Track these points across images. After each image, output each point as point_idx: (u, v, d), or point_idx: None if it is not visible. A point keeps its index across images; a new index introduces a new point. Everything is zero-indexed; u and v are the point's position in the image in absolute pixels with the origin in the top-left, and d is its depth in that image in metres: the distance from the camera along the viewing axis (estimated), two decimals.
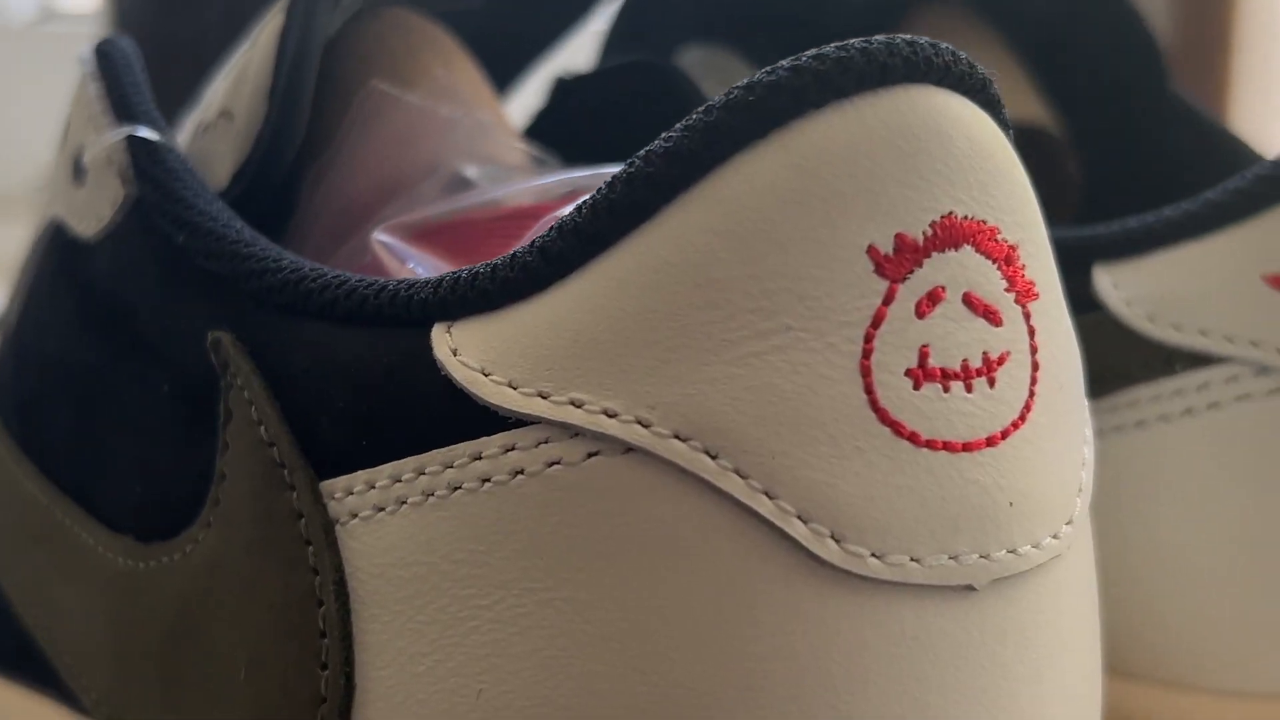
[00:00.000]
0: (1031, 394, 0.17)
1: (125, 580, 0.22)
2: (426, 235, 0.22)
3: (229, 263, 0.20)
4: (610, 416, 0.16)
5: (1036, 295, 0.17)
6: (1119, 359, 0.23)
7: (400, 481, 0.17)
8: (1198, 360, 0.22)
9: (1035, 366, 0.17)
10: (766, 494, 0.15)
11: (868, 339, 0.16)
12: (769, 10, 0.32)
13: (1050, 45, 0.34)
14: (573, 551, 0.16)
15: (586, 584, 0.16)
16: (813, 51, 0.16)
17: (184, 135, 0.26)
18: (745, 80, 0.16)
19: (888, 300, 0.16)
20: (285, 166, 0.23)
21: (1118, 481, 0.23)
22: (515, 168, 0.26)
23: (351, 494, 0.17)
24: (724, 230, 0.16)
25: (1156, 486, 0.22)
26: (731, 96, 0.16)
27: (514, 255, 0.17)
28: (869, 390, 0.16)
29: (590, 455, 0.16)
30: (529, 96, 0.34)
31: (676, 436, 0.16)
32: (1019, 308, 0.17)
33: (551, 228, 0.16)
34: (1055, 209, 0.33)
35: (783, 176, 0.16)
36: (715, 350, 0.16)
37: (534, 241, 0.17)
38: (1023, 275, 0.17)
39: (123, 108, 0.23)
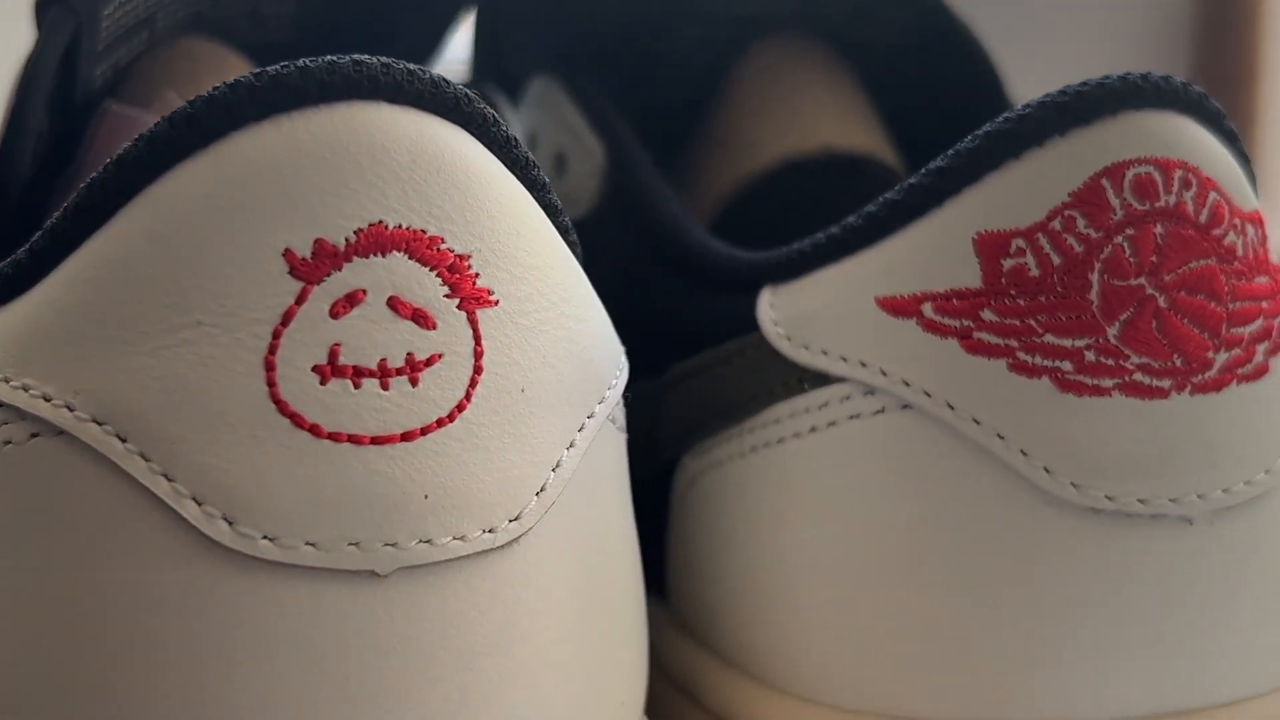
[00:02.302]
0: (468, 395, 0.18)
1: None
2: None
3: None
4: (46, 400, 0.17)
5: (492, 303, 0.18)
6: (766, 378, 0.23)
7: None
8: (822, 380, 0.22)
9: (478, 370, 0.18)
10: (165, 476, 0.17)
11: (275, 335, 0.17)
12: (603, 45, 0.33)
13: (894, 76, 0.34)
14: (16, 524, 0.17)
15: (24, 555, 0.17)
16: (256, 70, 0.17)
17: None
18: (192, 98, 0.17)
19: (300, 300, 0.17)
20: (21, 177, 0.25)
21: (762, 496, 0.23)
22: None
23: None
24: (155, 232, 0.17)
25: (788, 501, 0.23)
26: (177, 111, 0.17)
27: (15, 254, 0.18)
28: (271, 384, 0.17)
29: (33, 436, 0.17)
30: None
31: (94, 421, 0.17)
32: (462, 313, 0.18)
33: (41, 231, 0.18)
34: None
35: (210, 184, 0.17)
36: (134, 342, 0.17)
37: (29, 243, 0.18)
38: (472, 283, 0.18)
39: None
